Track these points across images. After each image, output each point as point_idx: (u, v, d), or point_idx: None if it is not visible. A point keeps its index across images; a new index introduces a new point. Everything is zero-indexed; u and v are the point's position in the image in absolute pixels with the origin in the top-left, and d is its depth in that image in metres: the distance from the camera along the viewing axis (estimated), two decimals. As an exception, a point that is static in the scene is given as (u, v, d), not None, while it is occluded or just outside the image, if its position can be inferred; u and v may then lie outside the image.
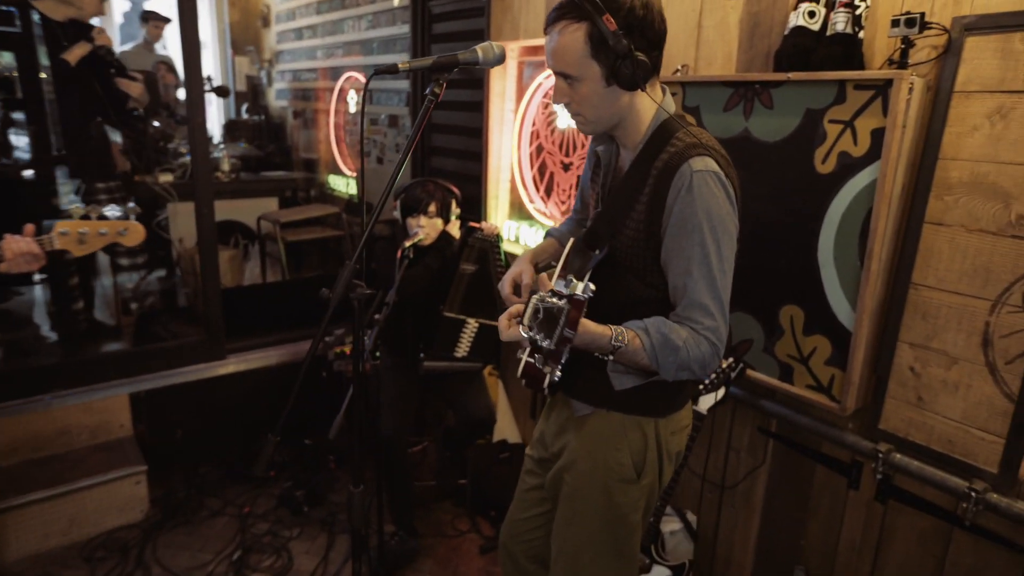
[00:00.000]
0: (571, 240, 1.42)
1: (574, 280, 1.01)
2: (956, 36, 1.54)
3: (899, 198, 1.67)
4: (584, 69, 1.23)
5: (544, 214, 3.06)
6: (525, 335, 1.11)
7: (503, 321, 1.24)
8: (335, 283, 1.25)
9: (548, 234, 1.71)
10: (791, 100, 1.81)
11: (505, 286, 1.49)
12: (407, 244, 2.34)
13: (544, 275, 1.20)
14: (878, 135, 1.64)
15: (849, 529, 1.95)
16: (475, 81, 3.22)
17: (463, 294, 2.60)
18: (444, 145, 3.57)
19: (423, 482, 3.01)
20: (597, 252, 1.34)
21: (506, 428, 3.13)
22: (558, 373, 1.03)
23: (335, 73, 5.01)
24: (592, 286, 0.99)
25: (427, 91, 1.27)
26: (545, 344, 1.03)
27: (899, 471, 1.76)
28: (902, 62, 1.63)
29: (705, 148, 1.25)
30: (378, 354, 2.37)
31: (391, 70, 1.24)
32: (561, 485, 1.51)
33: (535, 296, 1.08)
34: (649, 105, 1.32)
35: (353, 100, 4.79)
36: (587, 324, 1.16)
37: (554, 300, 1.03)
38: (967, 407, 1.62)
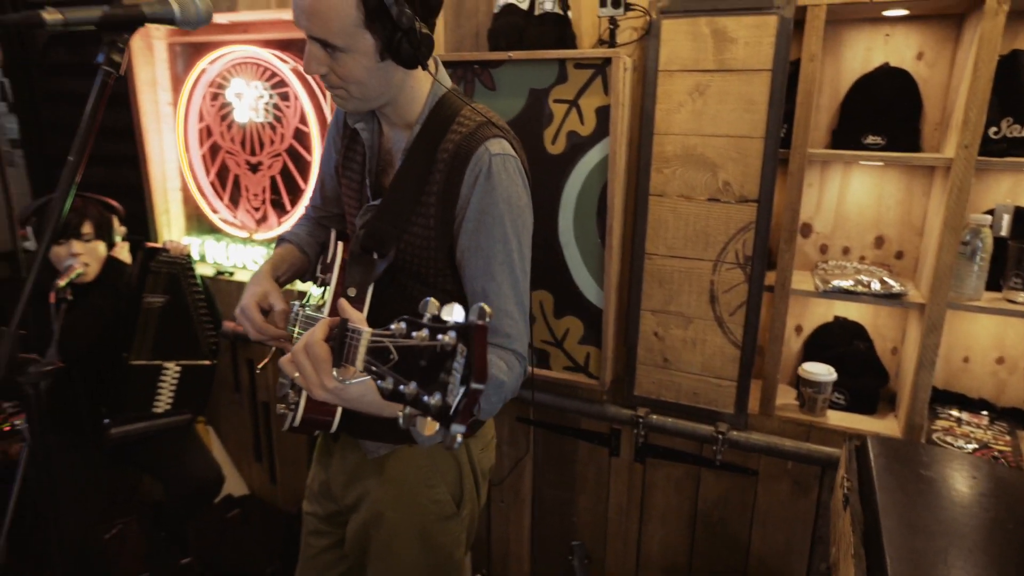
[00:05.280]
0: (336, 244, 1.12)
1: (431, 301, 0.68)
2: (655, 18, 1.64)
3: (624, 174, 1.75)
4: (353, 40, 0.96)
5: (234, 225, 2.59)
6: (373, 385, 0.73)
7: (304, 365, 0.83)
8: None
9: (282, 240, 1.37)
10: (513, 80, 1.75)
11: (253, 314, 1.14)
12: (60, 283, 1.72)
13: (344, 302, 0.88)
14: (603, 113, 1.67)
15: (616, 495, 2.04)
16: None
17: (154, 334, 2.03)
18: (77, 150, 2.80)
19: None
20: (378, 257, 1.08)
21: (228, 481, 2.61)
22: (459, 439, 0.65)
23: None
24: (488, 308, 0.65)
25: (99, 59, 0.86)
26: (431, 400, 0.65)
27: (656, 430, 1.88)
28: (612, 42, 1.69)
29: (499, 128, 1.09)
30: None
31: (33, 21, 0.80)
32: (368, 543, 1.23)
33: (365, 333, 0.75)
34: (424, 78, 1.10)
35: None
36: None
37: (422, 334, 0.67)
38: (704, 359, 1.77)
